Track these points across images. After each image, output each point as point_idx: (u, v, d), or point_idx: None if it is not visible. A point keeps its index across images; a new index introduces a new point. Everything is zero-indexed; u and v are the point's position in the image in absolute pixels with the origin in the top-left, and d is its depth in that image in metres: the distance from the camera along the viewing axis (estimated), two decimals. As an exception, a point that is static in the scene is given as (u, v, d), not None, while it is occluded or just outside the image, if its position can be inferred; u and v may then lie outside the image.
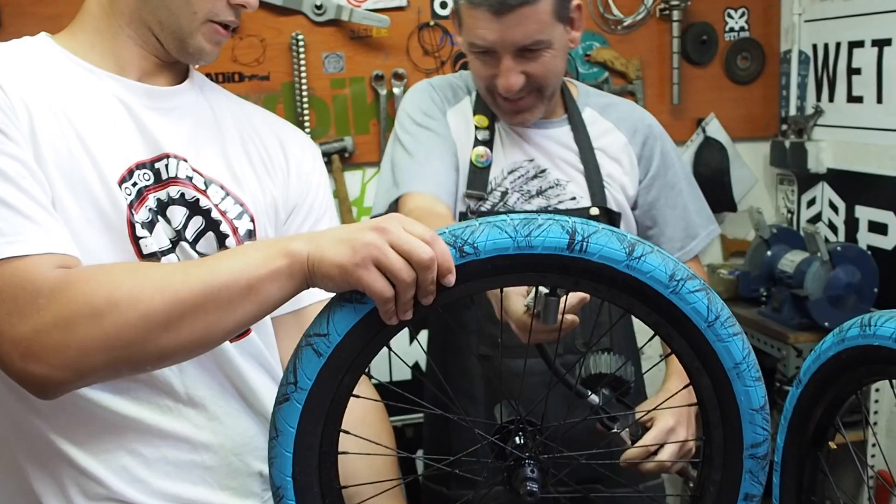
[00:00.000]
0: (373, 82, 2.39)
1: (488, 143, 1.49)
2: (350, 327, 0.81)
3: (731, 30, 2.60)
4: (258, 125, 1.16)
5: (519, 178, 1.49)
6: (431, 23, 2.40)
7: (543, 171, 1.49)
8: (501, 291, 1.01)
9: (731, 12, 2.59)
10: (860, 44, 2.28)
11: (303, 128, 2.35)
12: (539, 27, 1.35)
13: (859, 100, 2.31)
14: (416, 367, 2.52)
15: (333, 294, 0.84)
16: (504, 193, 1.48)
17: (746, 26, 2.60)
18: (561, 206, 1.48)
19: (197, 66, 1.16)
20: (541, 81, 1.41)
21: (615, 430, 1.24)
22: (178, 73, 1.11)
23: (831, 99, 2.42)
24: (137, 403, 1.00)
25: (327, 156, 2.36)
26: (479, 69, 1.42)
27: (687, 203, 1.56)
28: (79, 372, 0.86)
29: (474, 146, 1.49)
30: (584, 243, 0.79)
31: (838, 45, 2.37)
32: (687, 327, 0.82)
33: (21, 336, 0.84)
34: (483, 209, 1.47)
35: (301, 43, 2.32)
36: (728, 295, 2.38)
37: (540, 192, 1.48)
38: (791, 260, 2.19)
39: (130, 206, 0.99)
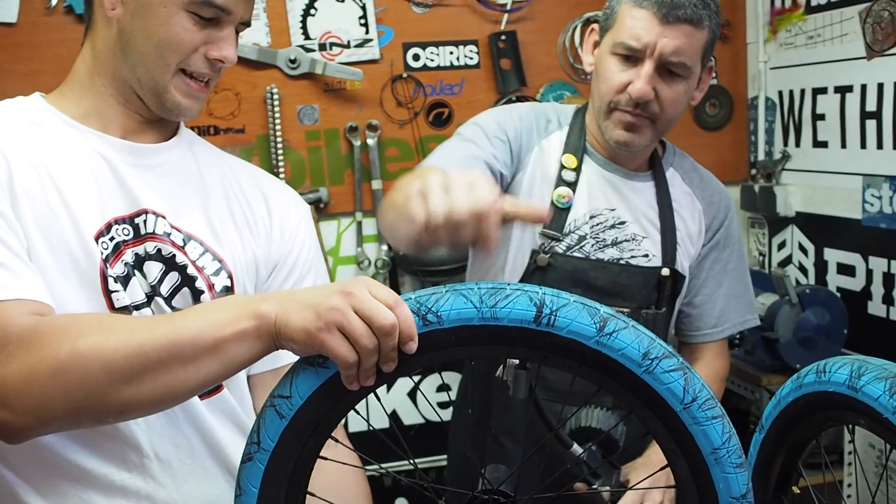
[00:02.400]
0: (347, 134, 2.42)
1: (572, 185, 1.47)
2: (312, 391, 0.80)
3: (699, 78, 2.66)
4: (244, 182, 1.18)
5: (598, 224, 1.49)
6: (404, 75, 2.44)
7: (623, 222, 1.49)
8: (471, 361, 1.00)
9: (698, 61, 2.66)
10: (823, 90, 2.34)
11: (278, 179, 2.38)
12: (691, 52, 1.37)
13: (824, 145, 2.36)
14: (393, 416, 2.51)
15: None
16: (582, 238, 1.47)
17: (714, 74, 2.67)
18: (633, 262, 1.49)
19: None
20: (663, 109, 1.40)
21: (596, 487, 1.23)
22: (166, 130, 1.13)
23: (798, 144, 2.47)
24: (102, 458, 1.01)
25: (303, 206, 2.39)
26: (613, 74, 1.40)
27: (732, 285, 1.56)
28: (40, 419, 0.87)
29: (557, 185, 1.47)
30: (552, 317, 0.77)
31: (803, 91, 2.43)
32: (662, 408, 0.79)
33: None
34: (557, 250, 1.46)
35: (276, 96, 2.36)
36: (702, 338, 2.40)
37: (615, 243, 1.49)
38: (762, 303, 2.21)
39: (106, 259, 1.00)
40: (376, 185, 2.44)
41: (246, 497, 0.82)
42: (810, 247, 2.43)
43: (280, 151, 2.38)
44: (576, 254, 1.47)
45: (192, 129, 2.38)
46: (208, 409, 1.08)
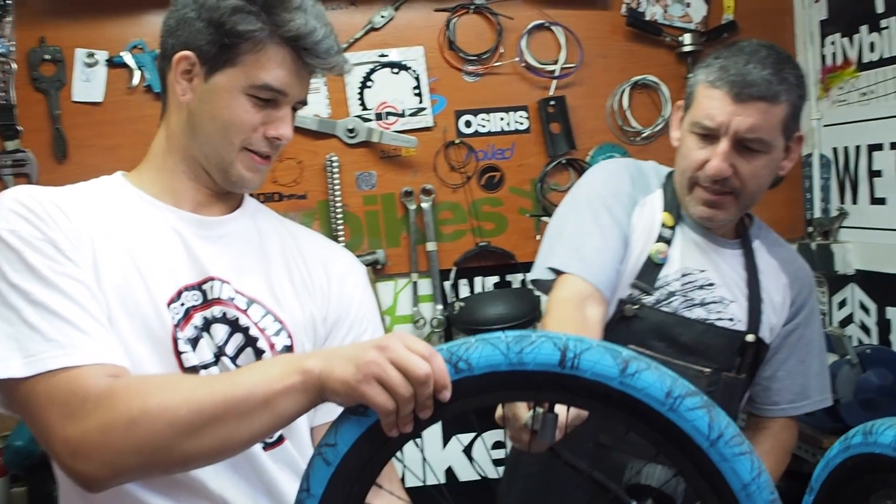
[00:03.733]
0: (402, 198, 2.51)
1: (668, 242, 1.52)
2: (355, 439, 0.86)
3: (751, 137, 2.67)
4: (304, 248, 1.27)
5: (688, 283, 1.52)
6: (457, 141, 2.52)
7: (711, 284, 1.52)
8: (504, 406, 1.04)
9: (751, 120, 2.66)
10: (879, 147, 2.33)
11: (337, 242, 2.46)
12: (767, 127, 1.40)
13: (882, 201, 2.33)
14: (448, 473, 2.52)
15: None
16: (671, 294, 1.51)
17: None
18: (719, 324, 1.51)
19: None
20: (744, 183, 1.44)
21: None
22: (232, 201, 1.24)
23: (854, 201, 2.44)
24: (176, 502, 1.08)
25: (360, 268, 2.47)
26: (692, 152, 1.45)
27: (814, 363, 1.59)
28: (115, 471, 0.95)
29: (657, 240, 1.51)
30: (576, 360, 0.80)
31: (857, 148, 2.42)
32: (689, 446, 0.80)
33: (70, 437, 0.95)
34: (645, 302, 1.49)
35: (335, 163, 2.46)
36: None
37: (702, 304, 1.52)
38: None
39: (177, 324, 1.10)
40: (431, 246, 2.51)
41: None
42: (872, 305, 2.38)
43: (339, 216, 2.48)
44: (663, 308, 1.50)
45: (257, 196, 2.52)
46: (271, 460, 1.15)
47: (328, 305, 1.24)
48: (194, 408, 0.93)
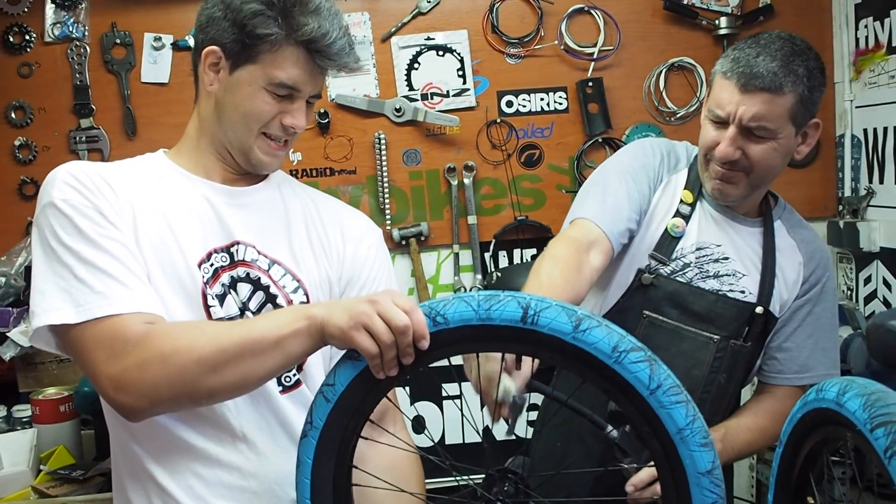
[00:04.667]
0: (446, 174, 2.66)
1: (686, 218, 1.64)
2: (350, 380, 1.00)
3: (785, 117, 2.74)
4: (323, 212, 1.41)
5: (703, 256, 1.64)
6: (498, 120, 2.66)
7: (726, 258, 1.64)
8: (478, 356, 1.17)
9: (785, 100, 2.73)
10: (908, 128, 2.39)
11: (384, 215, 2.65)
12: (771, 117, 1.49)
13: (909, 181, 2.39)
14: (486, 432, 2.69)
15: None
16: (686, 265, 1.63)
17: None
18: (730, 295, 1.62)
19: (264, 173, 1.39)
20: (752, 166, 1.54)
21: (630, 465, 1.32)
22: (258, 176, 1.37)
23: (882, 181, 2.51)
24: (203, 436, 1.24)
25: (405, 239, 2.65)
26: (707, 135, 1.58)
27: (821, 339, 1.67)
28: (151, 402, 1.11)
29: (674, 216, 1.64)
30: (536, 317, 0.90)
31: (885, 129, 2.48)
32: (632, 394, 0.91)
33: (114, 373, 1.11)
34: (662, 272, 1.63)
35: (383, 141, 2.63)
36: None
37: (716, 276, 1.63)
38: (839, 335, 2.25)
39: (206, 282, 1.25)
40: (472, 219, 2.67)
41: (303, 467, 1.02)
42: (894, 282, 2.46)
43: (386, 190, 2.65)
44: (678, 278, 1.63)
45: (312, 170, 2.69)
46: (289, 401, 1.29)
47: (342, 266, 1.37)
48: (216, 348, 1.07)
